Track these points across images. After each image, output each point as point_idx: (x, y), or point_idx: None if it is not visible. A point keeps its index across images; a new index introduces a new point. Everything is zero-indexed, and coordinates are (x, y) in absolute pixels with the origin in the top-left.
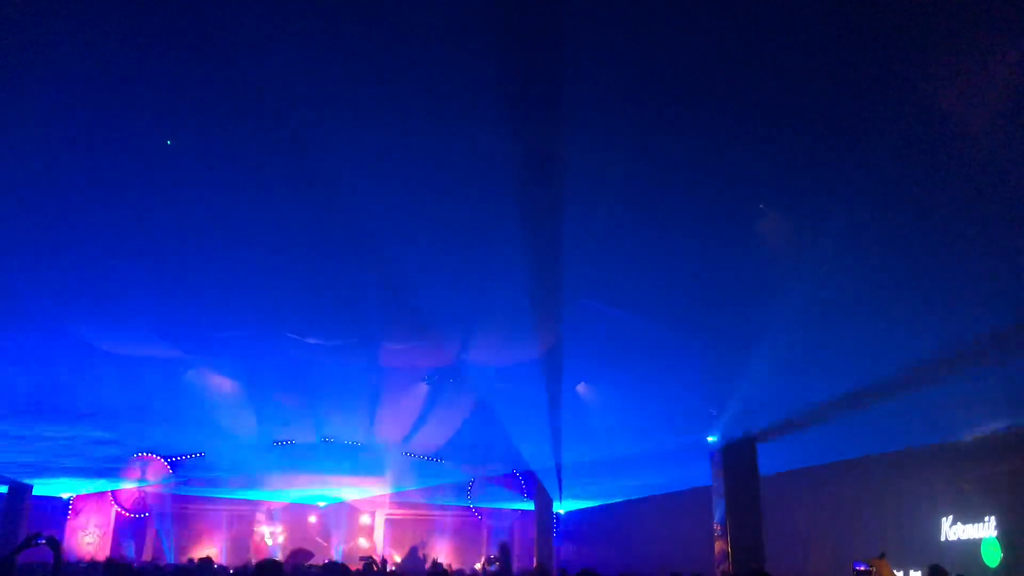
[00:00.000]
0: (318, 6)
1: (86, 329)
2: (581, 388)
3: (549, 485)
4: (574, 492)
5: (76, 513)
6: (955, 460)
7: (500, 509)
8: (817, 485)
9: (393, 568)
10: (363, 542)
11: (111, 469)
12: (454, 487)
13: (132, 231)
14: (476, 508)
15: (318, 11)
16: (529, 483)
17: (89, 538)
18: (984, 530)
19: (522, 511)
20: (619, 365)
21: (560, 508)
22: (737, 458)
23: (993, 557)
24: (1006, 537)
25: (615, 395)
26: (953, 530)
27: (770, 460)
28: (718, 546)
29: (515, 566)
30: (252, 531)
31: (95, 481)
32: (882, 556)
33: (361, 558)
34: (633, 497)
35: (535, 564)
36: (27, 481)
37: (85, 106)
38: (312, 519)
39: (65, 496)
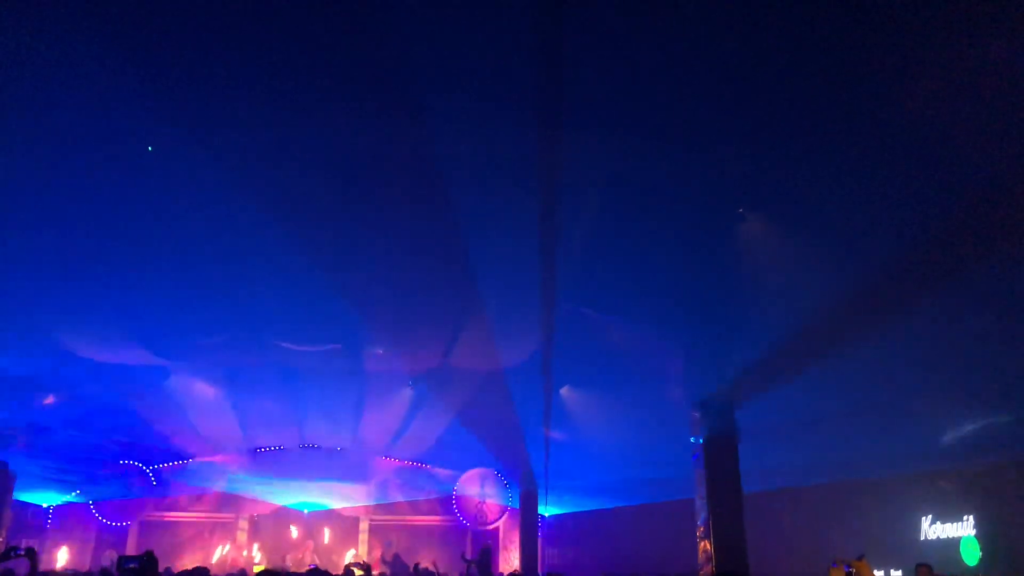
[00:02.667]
0: None
1: (68, 334)
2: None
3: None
4: (560, 491)
5: (57, 522)
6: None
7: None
8: (798, 488)
9: (380, 573)
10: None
11: (93, 478)
12: (438, 493)
13: (114, 239)
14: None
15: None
16: (512, 483)
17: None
18: (963, 529)
19: (508, 511)
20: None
21: (545, 511)
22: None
23: (972, 556)
24: (985, 536)
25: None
26: (933, 529)
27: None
28: (702, 547)
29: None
30: (235, 541)
31: (75, 492)
32: (861, 557)
33: (347, 566)
34: (620, 504)
35: (519, 568)
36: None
37: (69, 113)
38: (292, 530)
39: (46, 505)
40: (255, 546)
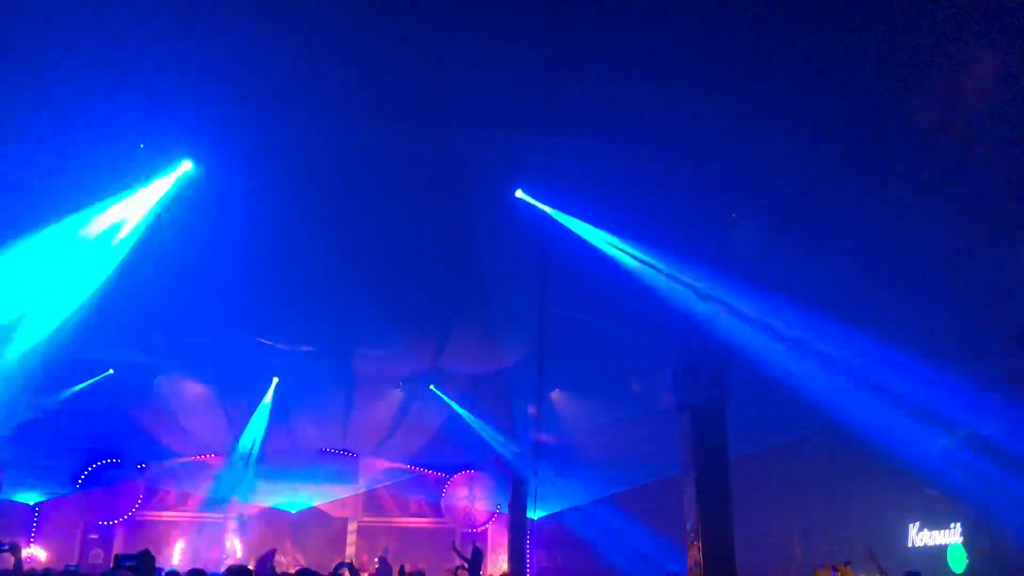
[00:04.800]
0: None
1: None
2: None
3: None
4: (549, 477)
5: (43, 520)
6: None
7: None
8: (789, 495)
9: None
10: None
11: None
12: (426, 494)
13: None
14: (448, 512)
15: None
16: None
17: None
18: (950, 536)
19: (496, 513)
20: None
21: (533, 515)
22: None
23: (959, 563)
24: (971, 543)
25: None
26: (920, 536)
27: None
28: (691, 555)
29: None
30: (221, 540)
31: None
32: (847, 563)
33: (336, 567)
34: (606, 494)
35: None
36: None
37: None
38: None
39: (32, 504)
40: (239, 545)
